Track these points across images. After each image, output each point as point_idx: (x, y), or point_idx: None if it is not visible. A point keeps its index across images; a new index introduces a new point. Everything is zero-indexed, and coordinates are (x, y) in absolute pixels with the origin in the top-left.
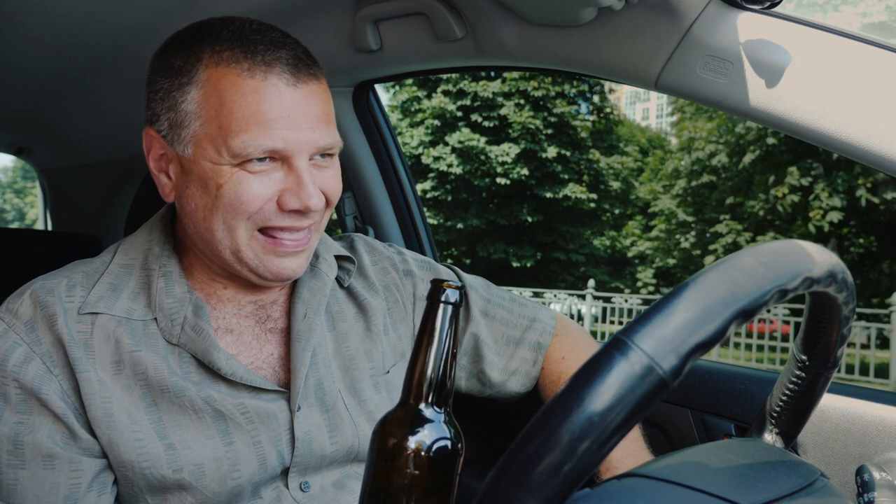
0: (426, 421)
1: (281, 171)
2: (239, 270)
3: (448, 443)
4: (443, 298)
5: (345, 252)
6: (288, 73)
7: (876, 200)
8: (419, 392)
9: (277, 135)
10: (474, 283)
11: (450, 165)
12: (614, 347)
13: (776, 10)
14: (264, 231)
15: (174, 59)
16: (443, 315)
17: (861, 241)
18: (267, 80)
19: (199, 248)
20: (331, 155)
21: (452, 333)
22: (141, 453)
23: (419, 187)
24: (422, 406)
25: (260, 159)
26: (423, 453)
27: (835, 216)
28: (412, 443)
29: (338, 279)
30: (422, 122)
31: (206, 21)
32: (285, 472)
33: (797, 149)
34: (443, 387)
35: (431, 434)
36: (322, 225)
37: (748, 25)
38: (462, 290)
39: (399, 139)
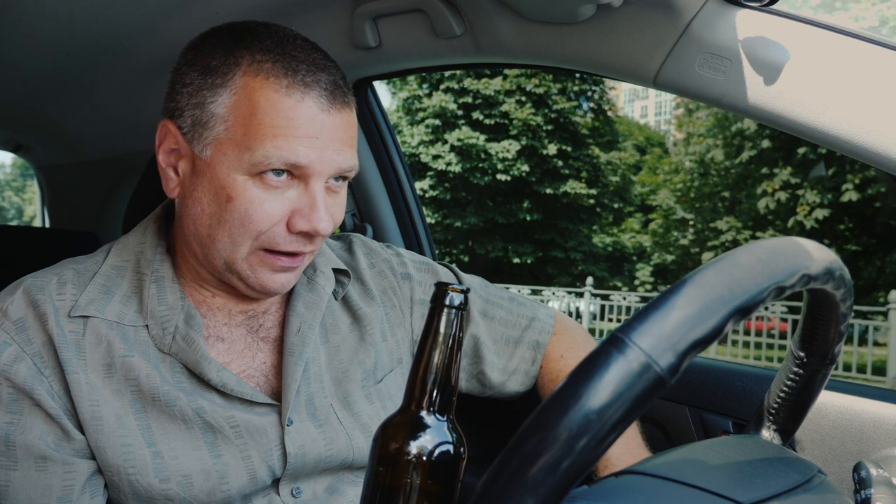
0: (428, 426)
1: (296, 190)
2: (228, 278)
3: (450, 448)
4: (446, 302)
5: (341, 265)
6: (324, 99)
7: (856, 196)
8: (421, 397)
9: (302, 151)
10: (473, 282)
11: (448, 164)
12: (612, 345)
13: (774, 7)
14: (266, 250)
15: (211, 57)
16: (447, 319)
17: (852, 237)
18: (303, 101)
19: (193, 251)
20: (345, 178)
21: (456, 338)
22: (128, 459)
23: (418, 186)
24: (423, 413)
25: (277, 173)
26: (424, 459)
27: (821, 213)
28: (413, 448)
29: (333, 291)
30: (422, 120)
31: (247, 24)
32: (276, 482)
33: (789, 146)
34: (446, 392)
35: (433, 439)
36: (319, 247)
37: (747, 23)
38: (466, 293)
39: (399, 137)
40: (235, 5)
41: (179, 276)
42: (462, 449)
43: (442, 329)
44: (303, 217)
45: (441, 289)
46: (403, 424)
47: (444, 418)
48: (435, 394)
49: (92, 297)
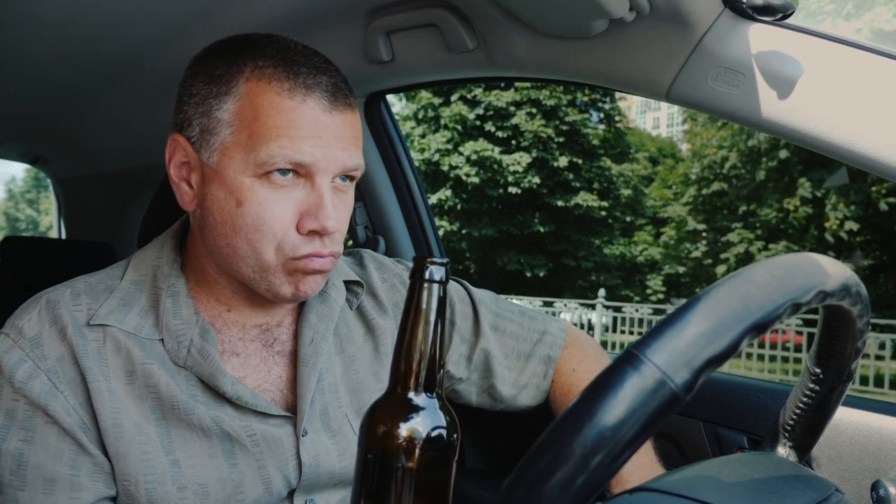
0: (418, 408)
1: (302, 189)
2: (257, 286)
3: (443, 431)
4: (427, 276)
5: (354, 277)
6: (326, 100)
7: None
8: (407, 378)
9: (306, 150)
10: (483, 297)
11: (467, 175)
12: (626, 361)
13: (788, 21)
14: (293, 259)
15: (215, 66)
16: (428, 295)
17: (877, 251)
18: (305, 102)
19: (213, 263)
20: (351, 178)
21: (438, 313)
22: (147, 467)
23: (439, 195)
24: (411, 393)
25: (283, 172)
26: (415, 441)
27: (852, 225)
28: (404, 430)
29: (347, 301)
30: (445, 125)
31: (249, 35)
32: (290, 494)
33: (809, 160)
34: (432, 372)
35: (424, 420)
36: (338, 251)
37: (760, 37)
38: (446, 265)
39: (418, 145)
40: (250, 20)
41: (194, 291)
42: (455, 430)
43: (423, 306)
44: (310, 216)
45: (420, 262)
46: (391, 406)
47: (433, 396)
48: (421, 373)
49: (111, 309)
